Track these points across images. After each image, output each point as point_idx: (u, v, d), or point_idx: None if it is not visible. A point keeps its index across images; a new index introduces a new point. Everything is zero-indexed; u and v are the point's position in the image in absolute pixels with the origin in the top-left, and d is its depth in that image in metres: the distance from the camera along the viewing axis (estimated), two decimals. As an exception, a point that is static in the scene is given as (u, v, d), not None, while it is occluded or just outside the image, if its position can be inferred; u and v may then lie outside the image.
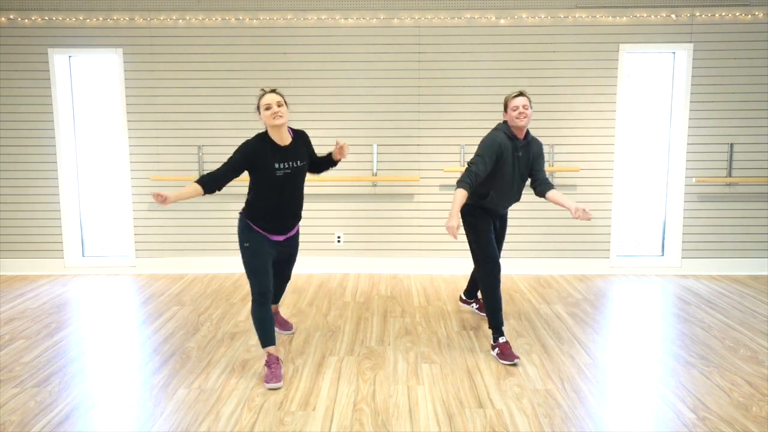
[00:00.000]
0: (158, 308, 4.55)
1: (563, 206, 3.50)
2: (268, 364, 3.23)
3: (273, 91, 3.22)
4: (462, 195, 3.41)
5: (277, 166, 3.18)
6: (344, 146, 3.41)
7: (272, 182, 3.20)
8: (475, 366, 3.44)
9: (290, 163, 3.23)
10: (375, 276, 5.55)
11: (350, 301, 4.76)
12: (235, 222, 5.56)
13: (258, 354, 3.61)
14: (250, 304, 4.61)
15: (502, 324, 3.60)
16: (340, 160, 3.52)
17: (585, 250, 5.62)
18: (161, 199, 3.00)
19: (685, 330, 4.05)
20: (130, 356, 3.60)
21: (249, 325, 4.14)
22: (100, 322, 4.24)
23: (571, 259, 5.62)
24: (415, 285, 5.23)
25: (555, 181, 5.53)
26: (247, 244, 3.26)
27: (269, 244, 3.30)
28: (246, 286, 5.14)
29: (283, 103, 3.18)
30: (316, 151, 3.49)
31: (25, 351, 3.66)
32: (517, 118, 3.49)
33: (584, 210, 3.36)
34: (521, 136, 3.57)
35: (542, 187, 3.64)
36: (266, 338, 3.26)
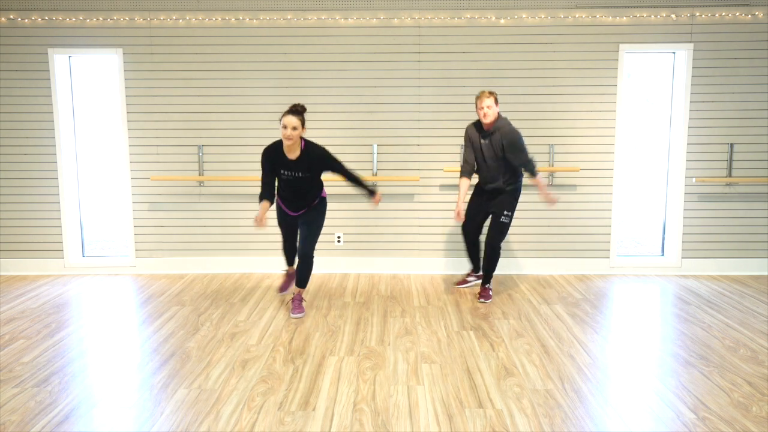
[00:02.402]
0: (158, 308, 4.55)
1: (540, 189, 4.57)
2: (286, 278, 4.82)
3: (296, 111, 3.93)
4: (462, 182, 4.59)
5: (282, 171, 4.07)
6: (377, 202, 4.38)
7: (281, 179, 4.14)
8: (475, 366, 3.44)
9: (293, 173, 4.05)
10: (375, 276, 5.55)
11: (350, 301, 4.76)
12: (235, 221, 5.60)
13: (258, 354, 3.61)
14: (249, 304, 4.65)
15: (487, 277, 4.73)
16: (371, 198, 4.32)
17: (585, 250, 5.62)
18: (261, 222, 3.99)
19: (685, 330, 4.05)
20: (130, 356, 3.60)
21: (249, 325, 4.14)
22: (100, 322, 4.24)
23: (571, 259, 5.62)
24: (415, 285, 5.23)
25: (555, 181, 5.53)
26: (276, 215, 4.44)
27: (285, 215, 4.34)
28: (246, 286, 5.15)
29: (299, 126, 3.91)
30: (342, 166, 4.17)
31: (25, 351, 3.66)
32: (483, 117, 4.42)
33: (550, 196, 4.59)
34: (487, 128, 4.47)
35: (523, 166, 4.51)
36: (288, 259, 4.72)
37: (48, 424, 2.76)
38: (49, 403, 2.96)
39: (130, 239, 5.67)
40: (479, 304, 4.62)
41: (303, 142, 4.02)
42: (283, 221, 4.39)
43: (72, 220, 5.67)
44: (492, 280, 4.83)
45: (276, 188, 4.19)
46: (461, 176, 4.61)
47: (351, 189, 5.59)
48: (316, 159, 4.05)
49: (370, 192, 4.25)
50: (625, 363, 3.49)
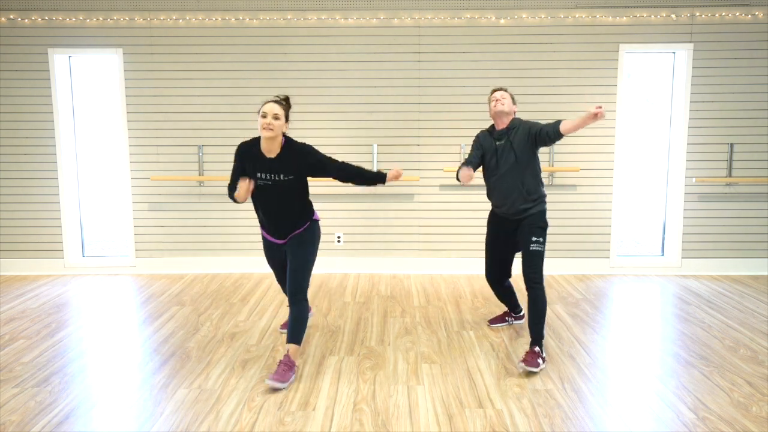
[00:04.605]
0: (158, 308, 4.55)
1: (581, 125, 3.27)
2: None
3: (279, 100, 3.26)
4: (462, 169, 3.50)
5: (258, 175, 3.26)
6: (399, 175, 3.52)
7: (257, 192, 3.30)
8: (475, 366, 3.44)
9: (272, 175, 3.24)
10: (375, 276, 5.55)
11: (350, 301, 4.76)
12: (235, 221, 5.60)
13: (258, 354, 3.61)
14: (249, 304, 4.64)
15: (536, 338, 3.46)
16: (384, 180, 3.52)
17: (585, 250, 5.62)
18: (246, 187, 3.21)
19: (685, 330, 4.05)
20: (130, 356, 3.60)
21: (249, 325, 4.14)
22: (100, 322, 4.24)
23: (571, 259, 5.62)
24: (415, 285, 5.23)
25: (555, 181, 5.53)
26: (263, 249, 3.59)
27: (271, 246, 3.52)
28: (246, 286, 5.15)
29: (281, 116, 3.20)
30: (333, 160, 3.37)
31: (25, 351, 3.66)
32: (494, 107, 3.55)
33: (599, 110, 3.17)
34: (501, 126, 3.59)
35: (552, 130, 3.39)
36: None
37: (48, 424, 2.76)
38: (49, 403, 2.96)
39: (130, 239, 5.67)
40: (479, 305, 4.62)
41: (284, 139, 3.29)
42: (271, 255, 3.56)
43: (72, 220, 5.67)
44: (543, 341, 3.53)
45: (255, 207, 3.42)
46: (461, 166, 3.57)
47: (351, 189, 5.59)
48: (300, 155, 3.28)
49: (381, 178, 3.49)
50: (625, 363, 3.48)
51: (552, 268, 5.61)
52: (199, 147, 5.54)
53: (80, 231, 5.79)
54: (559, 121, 3.40)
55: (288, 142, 3.29)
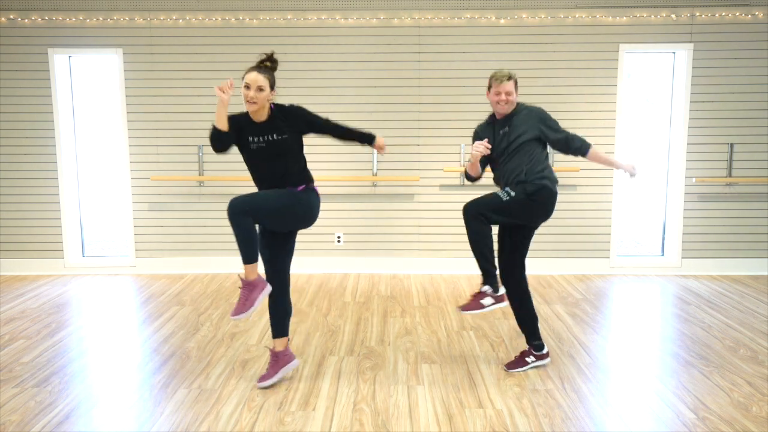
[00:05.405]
0: (158, 308, 4.55)
1: (606, 163, 3.32)
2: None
3: (263, 65, 3.03)
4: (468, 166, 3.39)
5: (251, 139, 3.04)
6: (383, 148, 3.39)
7: (249, 153, 3.08)
8: (475, 366, 3.44)
9: (265, 137, 3.02)
10: (375, 276, 5.55)
11: (350, 301, 4.76)
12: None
13: (258, 354, 3.61)
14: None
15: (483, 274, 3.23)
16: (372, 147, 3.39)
17: (585, 250, 5.62)
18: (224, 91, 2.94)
19: (685, 330, 4.05)
20: (130, 356, 3.60)
21: (249, 325, 4.14)
22: (100, 322, 4.24)
23: (571, 259, 5.62)
24: (415, 285, 5.23)
25: (555, 181, 5.53)
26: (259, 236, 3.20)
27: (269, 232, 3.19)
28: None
29: (267, 86, 2.96)
30: (320, 117, 3.19)
31: (25, 351, 3.66)
32: (497, 103, 3.27)
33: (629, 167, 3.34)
34: (501, 115, 3.32)
35: (577, 151, 3.31)
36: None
37: (48, 424, 2.76)
38: (49, 403, 2.96)
39: (130, 239, 5.67)
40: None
41: (272, 105, 3.09)
42: (262, 241, 3.17)
43: (72, 220, 5.67)
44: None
45: (250, 174, 3.16)
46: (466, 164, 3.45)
47: (351, 189, 5.60)
48: (292, 115, 3.10)
49: (369, 139, 3.36)
50: (625, 363, 3.48)
51: (552, 268, 5.61)
52: (199, 147, 5.54)
53: (80, 231, 5.79)
54: (589, 144, 3.31)
55: (278, 106, 3.10)
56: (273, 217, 3.06)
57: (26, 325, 4.16)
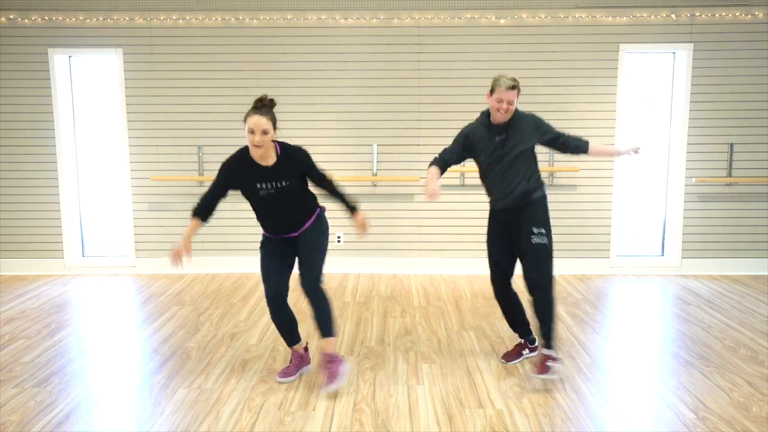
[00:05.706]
0: (158, 308, 4.55)
1: (607, 155, 3.42)
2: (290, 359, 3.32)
3: (263, 108, 2.95)
4: (430, 170, 3.44)
5: (258, 186, 3.02)
6: (364, 226, 3.44)
7: (258, 200, 3.08)
8: (475, 366, 3.44)
9: (273, 183, 3.02)
10: (375, 276, 5.55)
11: (350, 301, 4.76)
12: (235, 221, 5.59)
13: (258, 354, 3.61)
14: (249, 304, 4.64)
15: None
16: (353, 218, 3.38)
17: (585, 250, 5.62)
18: (179, 255, 3.07)
19: (685, 330, 4.05)
20: (130, 356, 3.60)
21: (249, 325, 4.14)
22: (100, 322, 4.24)
23: (571, 259, 5.62)
24: (415, 285, 5.23)
25: (555, 181, 5.53)
26: (262, 249, 3.25)
27: (271, 241, 3.22)
28: (246, 286, 5.14)
29: (271, 129, 2.92)
30: (317, 169, 3.22)
31: (25, 351, 3.66)
32: (497, 110, 3.19)
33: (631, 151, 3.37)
34: (499, 122, 3.25)
35: (577, 149, 3.39)
36: (286, 339, 3.29)
37: (48, 424, 2.76)
38: (49, 403, 2.96)
39: (130, 239, 5.67)
40: (479, 305, 4.62)
41: (277, 146, 3.06)
42: (273, 252, 3.23)
43: (72, 220, 5.67)
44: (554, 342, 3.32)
45: (256, 214, 3.19)
46: (431, 165, 3.49)
47: (351, 189, 5.57)
48: (297, 160, 3.10)
49: (352, 209, 3.36)
50: (625, 363, 3.48)
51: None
52: (199, 147, 5.54)
53: (80, 231, 5.79)
54: (586, 141, 3.38)
55: (284, 149, 3.07)
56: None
57: (26, 325, 4.16)
